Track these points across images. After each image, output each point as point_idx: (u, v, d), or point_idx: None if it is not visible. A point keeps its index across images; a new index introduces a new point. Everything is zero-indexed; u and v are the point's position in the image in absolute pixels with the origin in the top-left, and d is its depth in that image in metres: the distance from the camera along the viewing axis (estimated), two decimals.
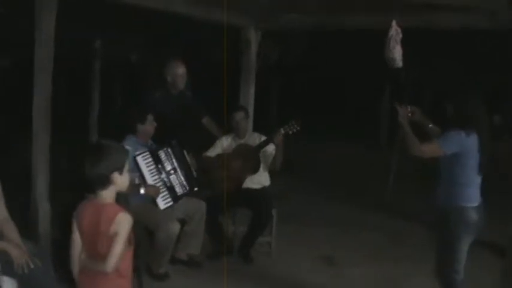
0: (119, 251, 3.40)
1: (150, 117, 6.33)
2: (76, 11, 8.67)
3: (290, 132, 6.72)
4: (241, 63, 8.05)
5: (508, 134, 10.71)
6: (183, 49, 12.62)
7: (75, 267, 3.62)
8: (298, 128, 6.70)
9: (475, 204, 4.82)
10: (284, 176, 8.21)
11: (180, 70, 7.04)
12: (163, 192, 6.26)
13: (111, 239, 3.40)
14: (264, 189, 7.08)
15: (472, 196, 4.82)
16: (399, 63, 5.96)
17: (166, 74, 7.05)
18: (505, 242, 5.80)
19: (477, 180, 4.83)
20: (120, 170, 3.48)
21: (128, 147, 6.11)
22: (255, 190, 7.00)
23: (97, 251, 3.47)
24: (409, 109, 5.06)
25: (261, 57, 8.10)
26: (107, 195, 3.50)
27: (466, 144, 4.70)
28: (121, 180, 3.51)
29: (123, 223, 3.43)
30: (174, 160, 6.48)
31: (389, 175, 11.57)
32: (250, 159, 6.91)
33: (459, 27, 7.30)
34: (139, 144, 6.31)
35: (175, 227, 6.08)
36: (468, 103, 4.86)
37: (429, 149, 4.82)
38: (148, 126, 6.33)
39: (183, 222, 6.35)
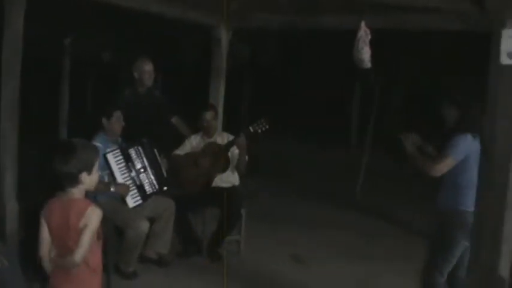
0: (87, 242, 3.42)
1: (116, 114, 6.30)
2: (45, 8, 8.62)
3: (259, 131, 6.75)
4: (211, 61, 8.05)
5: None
6: (155, 47, 12.61)
7: (47, 264, 3.62)
8: (267, 127, 6.74)
9: None
10: (254, 175, 8.24)
11: (146, 67, 7.03)
12: (132, 190, 6.26)
13: (81, 232, 3.41)
14: (233, 188, 7.09)
15: (473, 201, 4.76)
16: (368, 64, 5.98)
17: (133, 71, 7.05)
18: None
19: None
20: (89, 170, 3.49)
21: (98, 144, 6.13)
22: (225, 189, 7.01)
23: (67, 246, 3.47)
24: (412, 137, 5.13)
25: (231, 57, 8.08)
26: (76, 192, 3.51)
27: (473, 148, 4.73)
28: (90, 180, 3.52)
29: (93, 216, 3.44)
30: (144, 159, 6.47)
31: (359, 175, 11.65)
32: (219, 158, 6.93)
33: (429, 29, 7.37)
34: (109, 141, 6.30)
35: (144, 226, 6.08)
36: (473, 106, 4.86)
37: (444, 165, 4.80)
38: (115, 122, 6.30)
39: (152, 221, 6.34)
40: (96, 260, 3.59)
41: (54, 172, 3.46)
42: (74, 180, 3.47)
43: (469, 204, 4.77)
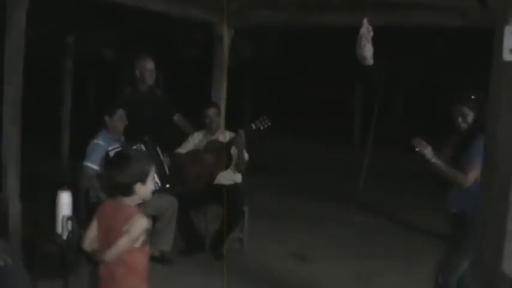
0: (121, 246, 3.44)
1: (119, 112, 6.32)
2: (48, 7, 8.62)
3: (261, 128, 6.76)
4: (213, 59, 8.05)
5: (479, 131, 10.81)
6: (157, 46, 12.61)
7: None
8: (269, 124, 6.75)
9: None
10: (256, 173, 8.25)
11: (148, 65, 7.04)
12: None
13: (123, 234, 3.44)
14: (235, 185, 7.10)
15: None
16: (370, 61, 5.97)
17: (135, 69, 7.06)
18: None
19: None
20: (143, 180, 3.51)
21: (100, 142, 6.14)
22: (227, 186, 7.02)
23: (109, 246, 3.50)
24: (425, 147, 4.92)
25: (233, 54, 8.08)
26: (129, 201, 3.55)
27: None
28: (144, 190, 3.55)
29: (136, 223, 3.46)
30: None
31: (361, 173, 11.65)
32: (221, 155, 6.94)
33: (431, 26, 7.36)
34: (112, 140, 6.31)
35: (147, 224, 6.07)
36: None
37: (474, 174, 4.77)
38: (117, 120, 6.32)
39: (154, 219, 6.35)
40: (139, 264, 3.61)
41: (109, 182, 3.52)
42: (128, 191, 3.49)
43: None
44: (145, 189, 3.55)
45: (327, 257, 7.19)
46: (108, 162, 3.49)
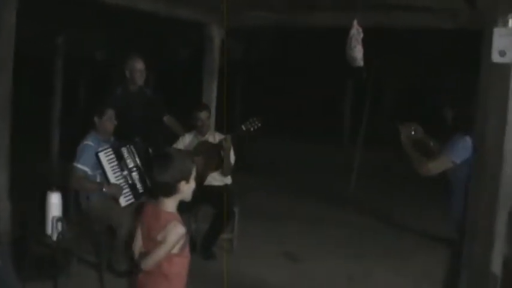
0: (158, 256, 3.46)
1: (109, 112, 6.31)
2: (38, 7, 8.59)
3: (251, 129, 6.76)
4: (204, 60, 8.05)
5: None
6: (148, 46, 12.59)
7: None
8: (260, 125, 6.75)
9: None
10: (248, 174, 8.24)
11: (138, 65, 7.04)
12: (125, 189, 6.26)
13: (158, 243, 3.45)
14: (226, 186, 7.11)
15: None
16: (360, 62, 5.99)
17: (125, 70, 7.06)
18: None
19: None
20: (187, 179, 3.52)
21: (90, 143, 6.13)
22: (217, 187, 7.03)
23: (148, 250, 3.53)
24: (412, 128, 4.97)
25: (224, 55, 8.08)
26: (169, 202, 3.54)
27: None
28: (187, 188, 3.55)
29: (172, 231, 3.44)
30: (136, 157, 6.48)
31: (351, 173, 11.67)
32: (212, 156, 6.93)
33: (421, 27, 7.39)
34: (102, 140, 6.30)
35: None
36: (470, 107, 4.72)
37: (437, 165, 4.70)
38: (107, 121, 6.31)
39: None
40: (176, 270, 3.61)
41: (152, 182, 3.53)
42: (172, 190, 3.50)
43: None
44: (189, 187, 3.56)
45: (318, 257, 7.20)
46: (151, 162, 3.47)
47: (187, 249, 3.63)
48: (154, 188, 3.55)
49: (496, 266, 4.44)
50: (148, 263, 3.48)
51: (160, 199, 3.53)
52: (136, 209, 3.62)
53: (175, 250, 3.49)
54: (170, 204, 3.55)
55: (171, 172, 3.45)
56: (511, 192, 4.44)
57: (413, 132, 5.00)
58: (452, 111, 4.94)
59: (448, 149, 4.70)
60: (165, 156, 3.53)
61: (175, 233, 3.46)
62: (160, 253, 3.45)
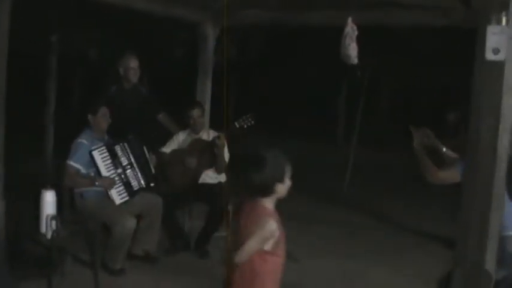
0: (249, 247, 3.45)
1: (102, 110, 6.31)
2: (32, 5, 8.58)
3: (245, 126, 6.77)
4: (198, 59, 8.05)
5: (464, 131, 10.87)
6: (142, 44, 12.57)
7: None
8: (253, 122, 6.76)
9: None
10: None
11: (132, 63, 7.04)
12: (119, 187, 6.26)
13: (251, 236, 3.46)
14: (220, 184, 7.10)
15: (505, 222, 4.48)
16: (354, 60, 6.00)
17: (119, 68, 7.06)
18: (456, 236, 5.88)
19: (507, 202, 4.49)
20: (282, 179, 3.54)
21: (84, 141, 6.12)
22: (211, 185, 7.04)
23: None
24: (425, 133, 4.88)
25: (218, 53, 8.08)
26: (267, 201, 3.57)
27: None
28: (283, 188, 3.58)
29: (264, 225, 3.46)
30: (130, 155, 6.48)
31: (346, 172, 11.68)
32: (205, 154, 6.93)
33: (415, 25, 7.40)
34: (96, 138, 6.30)
35: (132, 223, 6.08)
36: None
37: (448, 176, 4.66)
38: (101, 119, 6.31)
39: (139, 218, 6.34)
40: (268, 268, 3.59)
41: (247, 183, 3.51)
42: (269, 190, 3.52)
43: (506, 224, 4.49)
44: (285, 187, 3.58)
45: (313, 255, 7.19)
46: (245, 162, 3.48)
47: (281, 249, 3.62)
48: (250, 189, 3.55)
49: (490, 265, 4.45)
50: (240, 255, 3.48)
51: (257, 198, 3.56)
52: (236, 209, 3.65)
53: (267, 247, 3.49)
54: (267, 203, 3.58)
55: (267, 173, 3.48)
56: (504, 191, 4.45)
57: (425, 138, 4.90)
58: (454, 114, 4.93)
59: (461, 164, 4.63)
60: (259, 158, 3.54)
61: (267, 227, 3.47)
62: (250, 244, 3.44)
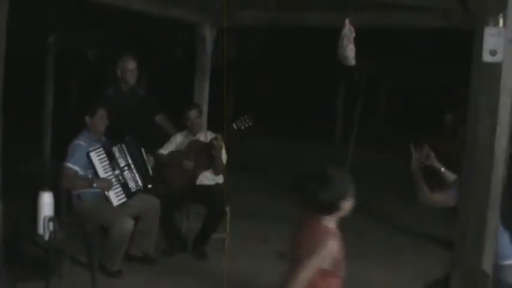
0: (308, 267, 3.42)
1: (100, 112, 6.30)
2: (30, 6, 8.57)
3: (242, 127, 6.77)
4: (196, 59, 8.05)
5: (462, 132, 10.88)
6: (140, 46, 12.58)
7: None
8: (251, 123, 6.76)
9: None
10: (239, 173, 8.23)
11: (129, 65, 7.04)
12: (116, 188, 6.26)
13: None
14: (217, 185, 7.10)
15: (500, 252, 4.43)
16: (352, 61, 6.01)
17: (117, 69, 7.06)
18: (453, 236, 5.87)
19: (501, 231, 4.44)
20: (346, 197, 3.54)
21: (81, 142, 6.12)
22: (209, 186, 7.03)
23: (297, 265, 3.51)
24: (424, 153, 4.78)
25: (216, 54, 8.08)
26: (330, 220, 3.58)
27: None
28: (346, 206, 3.57)
29: (324, 244, 3.45)
30: (128, 157, 6.48)
31: None
32: (203, 155, 6.93)
33: (413, 27, 7.41)
34: (93, 140, 6.30)
35: (129, 224, 6.07)
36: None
37: (440, 199, 4.63)
38: (98, 120, 6.30)
39: (136, 219, 6.34)
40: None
41: (313, 201, 3.52)
42: (334, 208, 3.53)
43: (501, 255, 4.42)
44: (348, 204, 3.57)
45: None
46: (311, 181, 3.50)
47: (341, 270, 3.61)
48: (315, 206, 3.55)
49: (487, 266, 4.45)
50: (300, 274, 3.44)
51: (320, 216, 3.56)
52: (297, 227, 3.67)
53: (327, 265, 3.46)
54: (330, 221, 3.58)
55: (333, 191, 3.49)
56: (500, 192, 4.46)
57: (425, 159, 4.81)
58: (452, 115, 4.91)
59: (457, 188, 4.60)
60: (325, 176, 3.55)
61: (329, 246, 3.46)
62: (311, 262, 3.42)
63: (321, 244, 3.43)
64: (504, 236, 4.44)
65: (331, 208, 3.52)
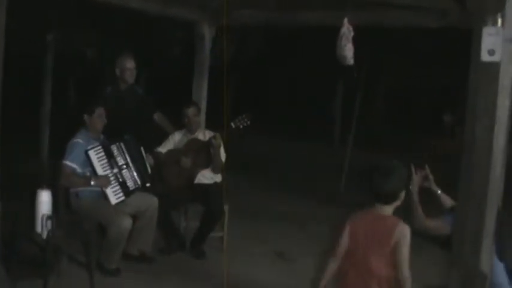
0: (407, 257, 3.65)
1: (98, 110, 6.30)
2: (28, 4, 8.57)
3: (241, 126, 6.77)
4: (195, 58, 8.05)
5: (460, 132, 10.90)
6: (139, 45, 12.58)
7: (333, 264, 3.97)
8: (249, 122, 6.76)
9: None
10: (237, 172, 8.23)
11: (128, 64, 7.04)
12: (114, 187, 6.26)
13: (392, 249, 3.65)
14: (215, 184, 7.10)
15: (494, 280, 4.43)
16: (350, 60, 6.00)
17: (115, 68, 7.05)
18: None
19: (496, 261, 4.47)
20: (405, 187, 3.79)
21: (80, 141, 6.12)
22: (207, 185, 7.03)
23: (365, 258, 3.72)
24: (423, 176, 4.72)
25: (214, 53, 8.08)
26: (389, 209, 3.78)
27: None
28: (404, 196, 3.80)
29: (406, 233, 3.68)
30: (126, 155, 6.48)
31: (342, 172, 11.68)
32: (201, 154, 6.93)
33: (411, 26, 7.41)
34: (92, 138, 6.30)
35: (127, 223, 6.07)
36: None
37: (434, 226, 4.62)
38: (96, 119, 6.30)
39: (135, 218, 6.34)
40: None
41: (377, 191, 3.77)
42: (394, 198, 3.75)
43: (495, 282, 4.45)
44: (404, 194, 3.80)
45: (308, 255, 7.19)
46: (375, 172, 3.82)
47: None
48: (376, 197, 3.79)
49: (485, 266, 4.45)
50: (405, 268, 3.65)
51: (378, 206, 3.78)
52: (352, 218, 3.83)
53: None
54: (389, 210, 3.78)
55: (394, 182, 3.71)
56: (500, 191, 4.46)
57: (424, 181, 4.75)
58: (451, 116, 4.90)
59: (452, 214, 4.59)
60: (387, 167, 3.78)
61: (408, 231, 3.69)
62: (406, 255, 3.64)
63: (404, 234, 3.66)
64: (498, 265, 4.49)
65: (393, 198, 3.74)
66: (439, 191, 4.84)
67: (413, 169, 4.67)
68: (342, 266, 3.92)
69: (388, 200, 3.75)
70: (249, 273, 6.53)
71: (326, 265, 4.01)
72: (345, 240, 3.89)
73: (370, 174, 3.81)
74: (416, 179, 4.67)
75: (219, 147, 6.84)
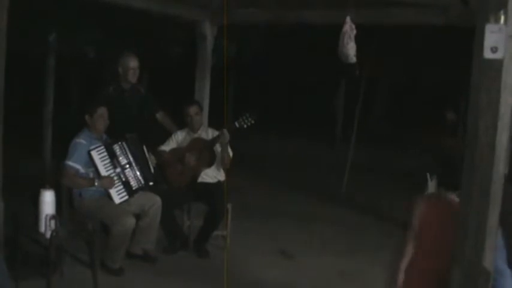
0: None
1: (100, 110, 6.29)
2: (30, 5, 8.57)
3: (245, 126, 6.76)
4: (197, 57, 8.05)
5: (462, 130, 10.88)
6: (141, 44, 12.57)
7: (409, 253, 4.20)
8: (253, 122, 6.75)
9: None
10: (240, 171, 8.23)
11: (131, 63, 7.02)
12: (118, 186, 6.26)
13: None
14: (218, 183, 7.10)
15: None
16: (353, 58, 6.01)
17: (118, 67, 7.05)
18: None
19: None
20: None
21: (82, 141, 6.12)
22: (210, 184, 7.03)
23: (441, 246, 3.98)
24: None
25: (216, 52, 8.09)
26: (456, 195, 4.11)
27: None
28: None
29: None
30: (129, 154, 6.48)
31: (344, 170, 11.68)
32: (204, 153, 6.94)
33: (413, 24, 7.40)
34: (94, 138, 6.29)
35: (131, 222, 6.08)
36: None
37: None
38: (98, 119, 6.29)
39: (138, 217, 6.34)
40: None
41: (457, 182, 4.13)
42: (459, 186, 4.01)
43: None
44: None
45: (311, 254, 7.21)
46: (458, 161, 4.24)
47: None
48: (455, 185, 4.18)
49: (488, 263, 4.45)
50: None
51: (447, 194, 4.16)
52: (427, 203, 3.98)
53: None
54: (456, 197, 4.13)
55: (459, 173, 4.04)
56: (501, 190, 4.45)
57: None
58: (453, 113, 4.91)
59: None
60: (458, 161, 4.09)
61: None
62: None
63: None
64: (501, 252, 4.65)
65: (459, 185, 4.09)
66: None
67: (428, 177, 4.76)
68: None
69: (456, 187, 4.14)
70: (252, 272, 6.54)
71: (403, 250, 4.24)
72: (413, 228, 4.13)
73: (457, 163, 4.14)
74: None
75: (227, 141, 6.82)
